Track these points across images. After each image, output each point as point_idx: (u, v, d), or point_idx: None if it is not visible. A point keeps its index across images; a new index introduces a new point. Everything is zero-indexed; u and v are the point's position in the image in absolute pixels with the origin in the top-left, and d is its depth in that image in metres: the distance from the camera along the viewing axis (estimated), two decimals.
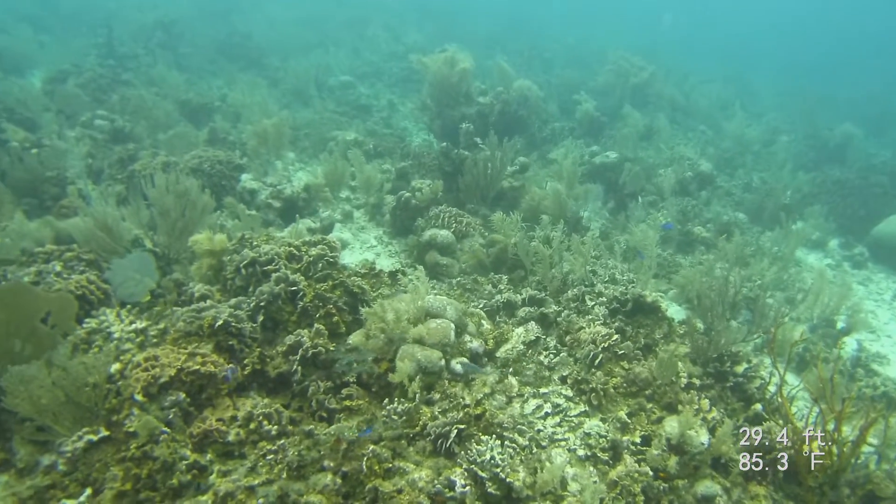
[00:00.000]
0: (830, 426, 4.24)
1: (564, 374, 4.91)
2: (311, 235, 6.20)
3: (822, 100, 19.11)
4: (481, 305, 5.95)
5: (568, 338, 5.35)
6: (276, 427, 3.90)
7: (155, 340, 4.50)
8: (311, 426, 3.93)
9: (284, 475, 3.57)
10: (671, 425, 4.43)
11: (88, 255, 5.38)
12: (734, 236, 8.88)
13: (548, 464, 3.93)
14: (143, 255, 5.36)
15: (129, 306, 4.95)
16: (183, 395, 3.88)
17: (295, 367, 4.26)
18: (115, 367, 4.08)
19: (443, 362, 4.54)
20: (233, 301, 4.64)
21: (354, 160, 9.45)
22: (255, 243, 5.25)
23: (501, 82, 12.52)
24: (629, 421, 4.56)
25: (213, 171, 8.22)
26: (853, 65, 30.68)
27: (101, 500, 3.37)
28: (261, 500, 3.40)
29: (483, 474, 3.73)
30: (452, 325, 4.81)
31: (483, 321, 5.50)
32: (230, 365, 4.15)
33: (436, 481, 3.64)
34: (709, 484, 4.18)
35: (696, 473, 4.26)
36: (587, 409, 4.63)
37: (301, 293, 4.72)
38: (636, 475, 4.05)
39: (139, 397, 3.81)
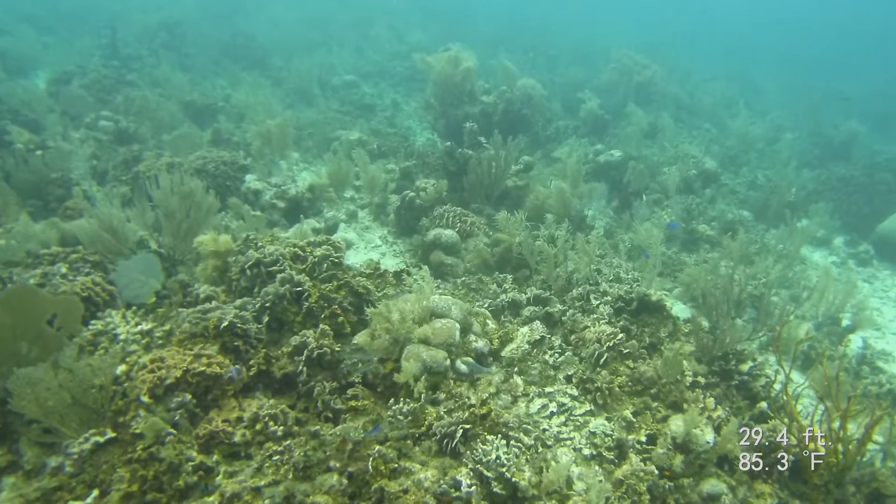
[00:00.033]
0: (836, 424, 4.22)
1: (569, 373, 4.91)
2: (315, 236, 6.20)
3: (827, 97, 19.02)
4: (486, 305, 5.95)
5: (573, 337, 5.35)
6: (281, 428, 3.91)
7: (160, 342, 4.51)
8: (317, 427, 3.93)
9: (290, 476, 3.58)
10: (676, 424, 4.43)
11: (94, 257, 5.40)
12: (739, 234, 8.86)
13: (553, 463, 3.93)
14: (149, 256, 5.37)
15: (134, 308, 4.96)
16: (189, 397, 3.88)
17: (300, 367, 4.27)
18: (121, 368, 4.09)
19: (448, 362, 4.54)
20: (238, 302, 4.64)
21: (358, 160, 9.46)
22: (260, 244, 5.26)
23: (505, 81, 12.49)
24: (634, 420, 4.55)
25: (217, 171, 8.23)
26: (855, 61, 30.56)
27: (108, 502, 3.38)
28: (267, 501, 3.41)
29: (489, 474, 3.73)
30: (457, 325, 4.81)
31: (488, 321, 5.49)
32: (234, 366, 4.16)
33: (441, 481, 3.64)
34: (714, 482, 4.17)
35: (701, 472, 4.26)
36: (592, 408, 4.63)
37: (306, 294, 4.72)
38: (642, 474, 4.04)
39: (145, 399, 3.82)
